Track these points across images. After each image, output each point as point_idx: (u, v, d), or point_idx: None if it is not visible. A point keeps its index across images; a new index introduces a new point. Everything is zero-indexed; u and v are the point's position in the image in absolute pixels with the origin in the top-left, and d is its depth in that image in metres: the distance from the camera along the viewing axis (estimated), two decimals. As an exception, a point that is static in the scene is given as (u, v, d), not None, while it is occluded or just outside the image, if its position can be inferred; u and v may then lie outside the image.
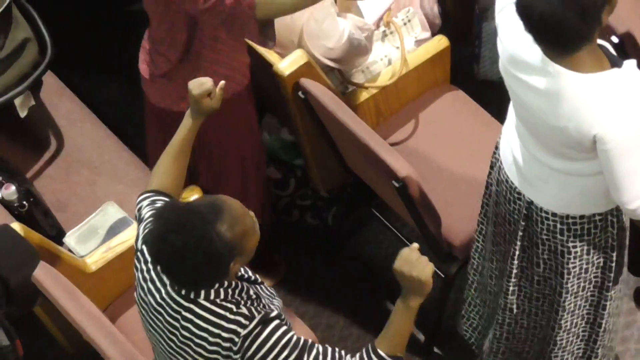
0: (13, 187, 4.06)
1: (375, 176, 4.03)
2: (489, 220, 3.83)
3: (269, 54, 4.10)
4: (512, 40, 3.28)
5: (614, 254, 3.62)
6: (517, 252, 3.70)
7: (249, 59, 3.98)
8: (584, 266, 3.63)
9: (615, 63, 3.19)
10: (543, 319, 3.86)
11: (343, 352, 3.07)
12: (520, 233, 3.65)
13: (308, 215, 4.65)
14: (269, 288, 3.25)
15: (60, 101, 4.51)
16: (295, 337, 3.04)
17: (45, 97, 4.47)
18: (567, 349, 3.87)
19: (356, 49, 4.15)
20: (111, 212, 4.19)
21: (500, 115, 4.15)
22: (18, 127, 4.40)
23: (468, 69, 4.67)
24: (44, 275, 3.48)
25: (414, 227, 4.02)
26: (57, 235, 4.12)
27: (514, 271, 3.76)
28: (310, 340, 3.06)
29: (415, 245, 3.04)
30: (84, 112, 4.51)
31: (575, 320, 3.78)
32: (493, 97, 4.15)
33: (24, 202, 4.06)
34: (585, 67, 3.15)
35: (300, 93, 4.02)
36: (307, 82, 4.00)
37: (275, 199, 4.56)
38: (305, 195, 4.62)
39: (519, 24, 3.15)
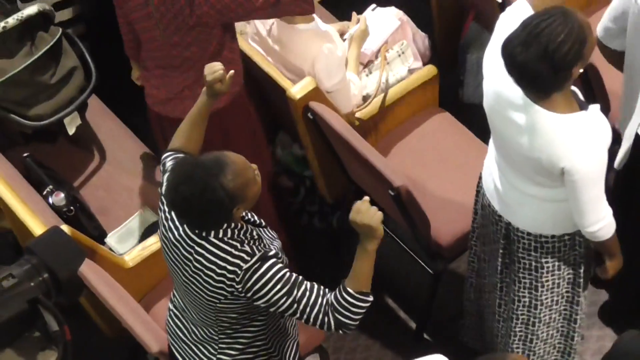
0: (62, 195, 4.07)
1: (374, 185, 4.01)
2: (479, 242, 3.83)
3: (283, 81, 4.10)
4: (498, 80, 3.28)
5: (581, 271, 3.61)
6: (499, 267, 3.70)
7: (242, 65, 3.96)
8: (556, 281, 3.62)
9: (582, 107, 3.21)
10: (515, 340, 3.83)
11: (327, 290, 3.12)
12: (500, 251, 3.66)
13: (316, 219, 4.62)
14: (271, 231, 3.28)
15: (103, 121, 4.50)
16: (288, 274, 3.08)
17: (90, 117, 4.46)
18: (545, 358, 3.87)
19: (345, 100, 4.17)
20: (146, 216, 4.20)
21: (481, 133, 4.12)
22: (67, 143, 4.40)
23: (454, 93, 4.65)
24: (88, 270, 3.48)
25: (407, 229, 4.02)
26: (100, 236, 4.12)
27: (499, 285, 3.76)
28: (300, 277, 3.11)
29: (366, 197, 3.04)
30: (123, 130, 4.49)
31: (550, 332, 3.79)
32: (475, 118, 4.12)
33: (71, 208, 4.06)
34: (558, 108, 3.16)
35: (309, 114, 4.01)
36: (315, 105, 4.00)
37: (287, 205, 4.54)
38: (313, 202, 4.58)
39: (503, 66, 3.16)
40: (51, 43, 4.18)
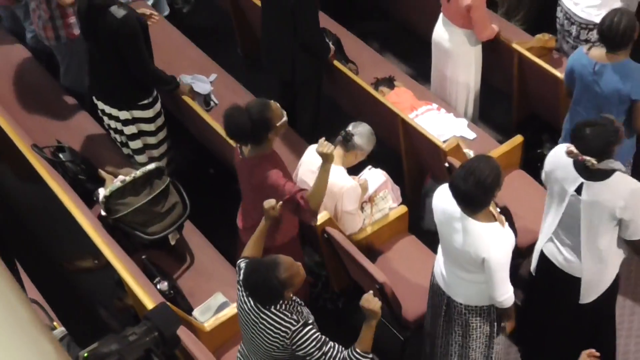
0: (166, 283, 4.11)
1: (365, 281, 4.03)
2: (430, 309, 3.81)
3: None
4: (445, 203, 3.36)
5: (495, 329, 3.66)
6: (441, 324, 3.73)
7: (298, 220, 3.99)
8: (479, 334, 3.66)
9: (495, 219, 3.32)
10: None
11: (343, 348, 3.13)
12: (443, 314, 3.69)
13: (328, 303, 4.58)
14: (306, 307, 3.28)
15: (193, 236, 4.50)
16: (320, 335, 3.12)
17: (185, 233, 4.47)
18: None
19: (352, 224, 4.18)
20: (219, 298, 4.19)
21: (434, 248, 4.06)
22: (170, 250, 4.40)
23: (418, 224, 4.68)
24: (181, 332, 3.43)
25: (385, 308, 3.79)
26: (189, 310, 4.12)
27: (441, 334, 3.76)
28: (327, 338, 3.13)
29: (371, 292, 3.17)
30: (207, 244, 4.48)
31: None
32: (430, 239, 4.16)
33: (172, 292, 4.10)
34: (482, 219, 3.27)
35: (325, 235, 4.07)
36: (330, 230, 4.05)
37: (309, 293, 4.44)
38: (327, 291, 4.53)
39: (448, 192, 3.28)
40: (162, 187, 4.28)
